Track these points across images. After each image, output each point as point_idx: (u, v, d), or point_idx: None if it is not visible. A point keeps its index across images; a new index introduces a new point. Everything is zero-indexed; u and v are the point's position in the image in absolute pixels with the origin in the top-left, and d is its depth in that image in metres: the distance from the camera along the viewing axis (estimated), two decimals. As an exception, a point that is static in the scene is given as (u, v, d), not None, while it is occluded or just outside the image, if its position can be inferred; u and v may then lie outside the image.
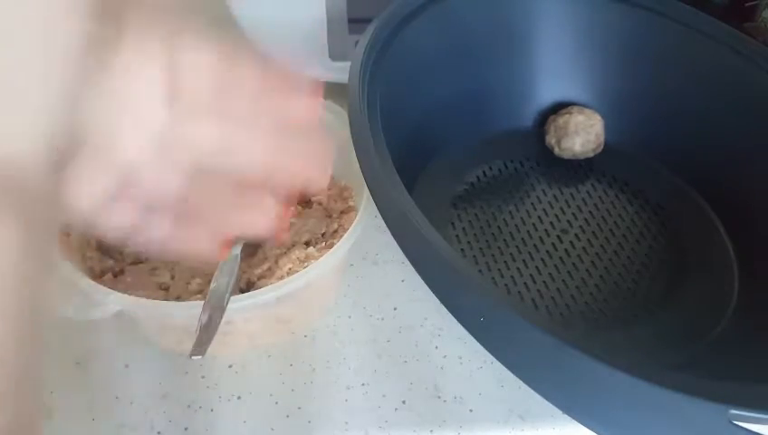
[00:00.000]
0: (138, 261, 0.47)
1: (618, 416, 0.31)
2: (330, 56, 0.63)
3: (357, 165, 0.42)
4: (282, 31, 0.60)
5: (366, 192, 0.44)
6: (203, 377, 0.46)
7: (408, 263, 0.39)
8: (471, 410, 0.44)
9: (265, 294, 0.40)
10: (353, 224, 0.44)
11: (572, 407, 0.32)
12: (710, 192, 0.57)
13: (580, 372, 0.32)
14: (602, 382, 0.32)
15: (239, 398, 0.45)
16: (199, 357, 0.34)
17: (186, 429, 0.43)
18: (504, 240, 0.53)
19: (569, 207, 0.57)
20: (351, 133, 0.43)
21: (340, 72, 0.62)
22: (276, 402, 0.45)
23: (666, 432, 0.30)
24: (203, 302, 0.37)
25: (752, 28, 0.66)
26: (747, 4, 0.67)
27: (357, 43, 0.50)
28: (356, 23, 0.60)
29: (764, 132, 0.54)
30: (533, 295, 0.49)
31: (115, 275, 0.46)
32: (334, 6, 0.60)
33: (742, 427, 0.29)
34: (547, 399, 0.32)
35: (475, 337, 0.34)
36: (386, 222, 0.39)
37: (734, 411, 0.30)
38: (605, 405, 0.32)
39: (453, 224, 0.54)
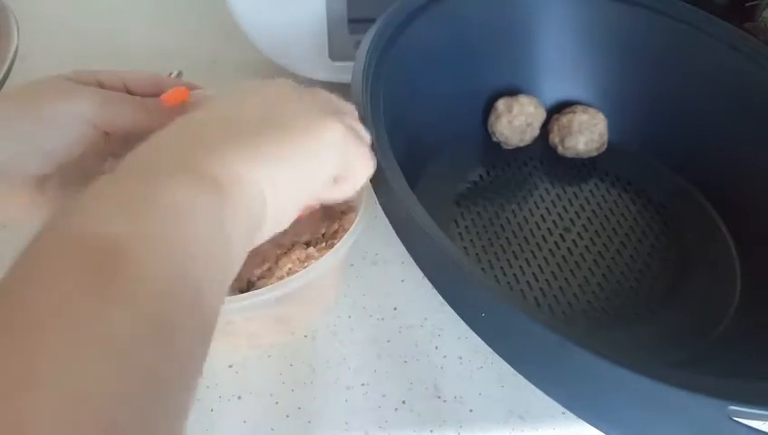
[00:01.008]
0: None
1: (619, 412, 0.31)
2: (330, 56, 0.63)
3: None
4: (282, 31, 0.60)
5: (366, 192, 0.44)
6: (203, 377, 0.46)
7: (408, 263, 0.39)
8: (471, 410, 0.44)
9: (265, 295, 0.40)
10: (353, 224, 0.44)
11: (574, 403, 0.32)
12: (712, 191, 0.57)
13: (582, 368, 0.32)
14: (604, 379, 0.31)
15: (239, 398, 0.45)
16: None
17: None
18: (507, 238, 0.53)
19: (571, 205, 0.56)
20: (356, 132, 0.43)
21: (341, 72, 0.62)
22: (276, 402, 0.45)
23: (666, 428, 0.30)
24: None
25: (752, 28, 0.66)
26: (747, 4, 0.67)
27: (357, 43, 0.50)
28: (356, 23, 0.60)
29: (766, 131, 0.53)
30: (536, 293, 0.49)
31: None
32: (334, 6, 0.60)
33: (741, 423, 0.29)
34: (548, 394, 0.32)
35: (476, 333, 0.34)
36: (389, 219, 0.39)
37: (733, 408, 0.30)
38: (606, 401, 0.32)
39: (456, 222, 0.54)
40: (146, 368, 0.21)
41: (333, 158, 0.34)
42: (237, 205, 0.29)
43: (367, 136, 0.38)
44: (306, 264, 0.45)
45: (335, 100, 0.38)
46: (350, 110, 0.40)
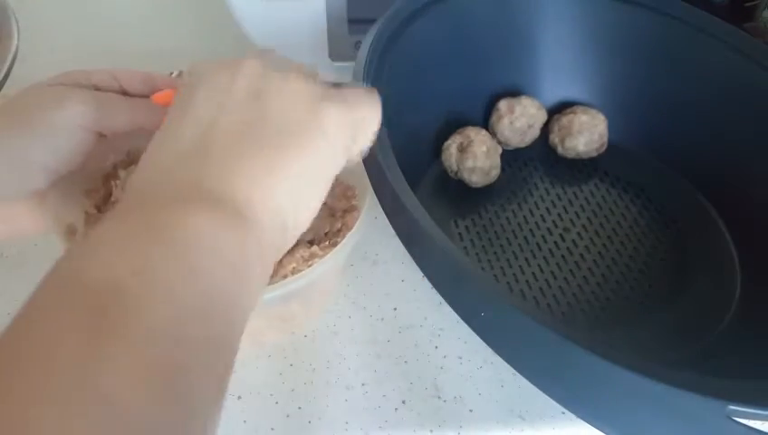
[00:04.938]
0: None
1: (618, 412, 0.31)
2: (330, 56, 0.63)
3: (360, 165, 0.42)
4: (282, 31, 0.60)
5: (369, 191, 0.44)
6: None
7: (407, 263, 0.39)
8: (471, 410, 0.44)
9: (269, 293, 0.40)
10: (356, 222, 0.44)
11: (573, 402, 0.32)
12: (713, 192, 0.57)
13: (582, 368, 0.32)
14: (603, 378, 0.31)
15: (239, 397, 0.45)
16: None
17: (186, 428, 0.43)
18: (507, 238, 0.53)
19: (571, 206, 0.56)
20: (356, 133, 0.43)
21: (340, 72, 0.62)
22: (276, 402, 0.45)
23: (665, 428, 0.30)
24: None
25: (751, 28, 0.66)
26: (747, 5, 0.67)
27: (357, 43, 0.50)
28: (356, 23, 0.60)
29: (766, 131, 0.53)
30: (535, 293, 0.49)
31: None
32: (334, 7, 0.60)
33: (740, 423, 0.29)
34: (547, 393, 0.32)
35: (476, 332, 0.34)
36: (389, 219, 0.39)
37: (732, 407, 0.30)
38: (605, 401, 0.32)
39: (456, 222, 0.54)
40: (145, 424, 0.20)
41: (341, 142, 0.32)
42: (260, 236, 0.27)
43: (345, 85, 0.35)
44: (310, 262, 0.44)
45: (297, 68, 0.33)
46: (307, 68, 0.34)
